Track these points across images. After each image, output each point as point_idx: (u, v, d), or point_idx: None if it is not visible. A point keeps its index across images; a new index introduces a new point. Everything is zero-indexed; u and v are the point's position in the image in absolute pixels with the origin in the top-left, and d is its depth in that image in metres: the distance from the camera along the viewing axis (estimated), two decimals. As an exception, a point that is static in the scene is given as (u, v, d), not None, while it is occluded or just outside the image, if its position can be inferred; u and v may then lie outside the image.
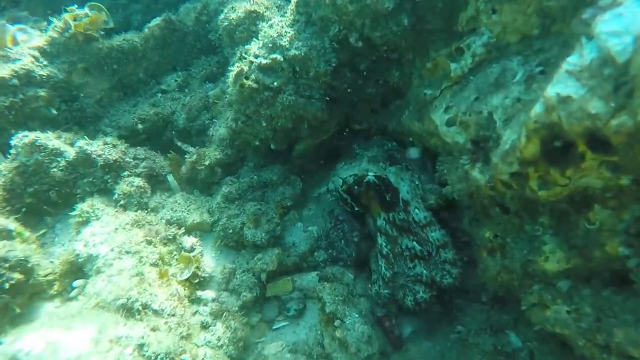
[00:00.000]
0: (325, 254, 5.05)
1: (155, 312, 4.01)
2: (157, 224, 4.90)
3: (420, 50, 4.19)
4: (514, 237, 3.51)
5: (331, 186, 5.16)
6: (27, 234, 4.42)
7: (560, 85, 2.23)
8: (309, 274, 5.04)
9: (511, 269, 3.57)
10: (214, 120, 5.72)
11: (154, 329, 3.79)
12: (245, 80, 4.46)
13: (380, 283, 4.52)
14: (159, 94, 6.29)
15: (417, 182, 4.52)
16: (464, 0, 3.64)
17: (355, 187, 4.68)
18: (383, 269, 4.49)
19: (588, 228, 2.91)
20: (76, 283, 4.26)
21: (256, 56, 4.47)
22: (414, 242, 4.35)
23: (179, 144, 5.59)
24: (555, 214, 3.15)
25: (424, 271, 4.29)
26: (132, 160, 5.39)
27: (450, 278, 4.20)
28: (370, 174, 4.61)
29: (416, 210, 4.37)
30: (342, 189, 4.88)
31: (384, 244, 4.50)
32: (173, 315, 4.11)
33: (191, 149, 5.45)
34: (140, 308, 3.91)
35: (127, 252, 4.32)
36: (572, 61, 2.20)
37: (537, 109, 2.39)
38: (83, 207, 4.79)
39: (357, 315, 4.53)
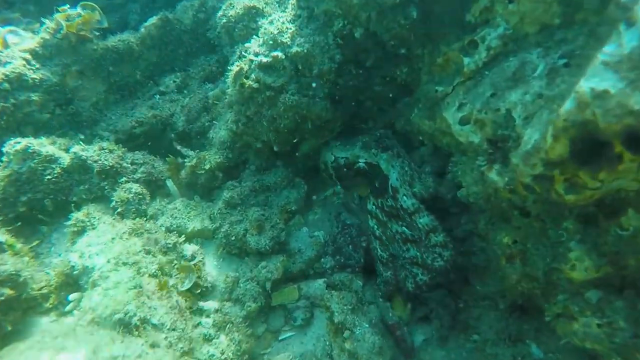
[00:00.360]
0: (332, 260, 4.83)
1: (155, 327, 3.79)
2: (156, 232, 4.69)
3: (430, 44, 3.94)
4: (535, 243, 3.27)
5: (322, 158, 5.13)
6: (19, 245, 4.21)
7: (595, 79, 1.98)
8: (316, 281, 4.82)
9: (533, 277, 3.33)
10: (214, 122, 5.50)
11: (153, 346, 3.58)
12: (245, 80, 4.23)
13: (380, 268, 4.43)
14: (157, 96, 6.06)
15: (406, 169, 4.40)
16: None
17: (345, 169, 4.70)
18: (378, 250, 4.46)
19: (620, 234, 2.67)
20: (72, 296, 4.06)
21: (256, 54, 4.24)
22: (404, 227, 4.28)
23: (178, 147, 5.38)
24: (582, 219, 2.91)
25: (418, 254, 4.20)
26: (129, 165, 5.18)
27: (442, 261, 4.07)
28: (361, 160, 4.57)
29: (404, 197, 4.25)
30: (331, 166, 4.84)
31: (375, 226, 4.50)
32: (174, 329, 3.89)
33: (191, 152, 5.23)
34: (139, 323, 3.70)
35: (125, 263, 4.11)
36: (608, 51, 1.95)
37: (567, 106, 2.15)
38: (78, 216, 4.59)
39: (367, 325, 4.30)
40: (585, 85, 2.02)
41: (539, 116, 2.74)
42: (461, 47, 3.64)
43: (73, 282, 4.14)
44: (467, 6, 3.56)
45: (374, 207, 4.49)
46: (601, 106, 1.97)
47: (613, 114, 1.94)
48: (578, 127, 2.16)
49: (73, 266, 4.10)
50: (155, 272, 4.23)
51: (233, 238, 4.71)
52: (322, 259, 4.89)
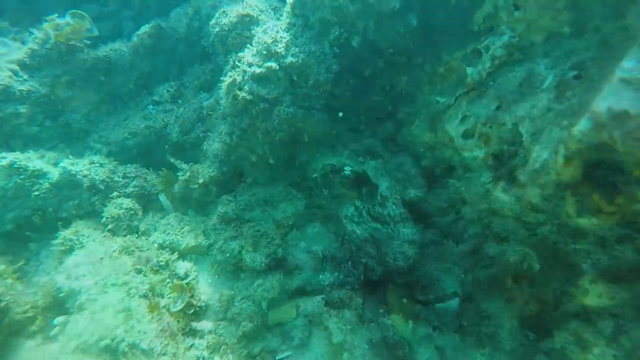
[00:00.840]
0: (331, 276, 4.64)
1: (144, 352, 3.62)
2: (148, 249, 4.51)
3: (431, 53, 3.76)
4: (544, 265, 3.09)
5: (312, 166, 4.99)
6: (2, 267, 4.03)
7: (613, 98, 1.80)
8: (314, 298, 4.62)
9: (542, 300, 3.15)
10: (208, 133, 5.32)
11: (141, 373, 3.41)
12: (238, 92, 4.06)
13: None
14: (151, 106, 5.89)
15: (398, 176, 4.33)
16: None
17: (330, 175, 4.67)
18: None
19: (638, 258, 2.48)
20: (57, 320, 3.87)
21: (250, 65, 4.07)
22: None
23: (172, 160, 5.20)
24: (595, 240, 2.72)
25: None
26: (121, 179, 5.00)
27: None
28: (347, 168, 4.53)
29: (394, 206, 4.24)
30: (319, 173, 4.78)
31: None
32: (164, 354, 3.71)
33: (184, 165, 5.05)
34: (127, 349, 3.53)
35: (114, 285, 3.94)
36: (627, 67, 1.77)
37: (582, 126, 1.96)
38: (66, 234, 4.41)
39: (367, 347, 4.12)
40: (601, 104, 1.84)
41: (548, 132, 2.55)
42: (464, 56, 3.46)
43: (59, 304, 3.96)
44: (470, 13, 3.38)
45: (354, 210, 4.54)
46: (620, 128, 1.78)
47: (633, 137, 1.76)
48: (593, 150, 1.97)
49: (59, 288, 3.93)
50: (145, 292, 4.06)
51: (228, 255, 4.53)
52: (321, 275, 4.70)
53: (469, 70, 3.31)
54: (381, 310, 4.50)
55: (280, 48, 3.93)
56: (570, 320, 2.89)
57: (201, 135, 5.51)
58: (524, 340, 3.81)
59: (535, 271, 3.17)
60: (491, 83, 3.19)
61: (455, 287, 3.61)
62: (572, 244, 2.80)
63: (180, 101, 5.96)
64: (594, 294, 2.69)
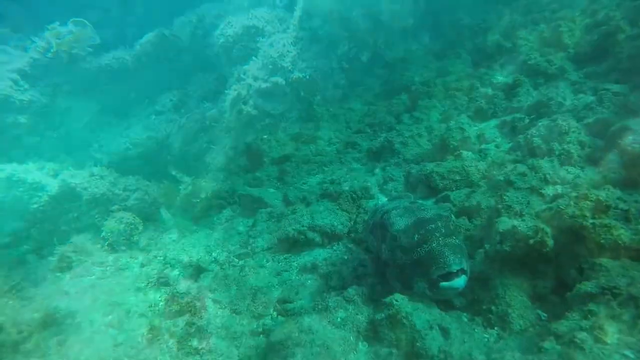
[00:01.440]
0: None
1: (143, 377, 3.49)
2: (147, 265, 4.39)
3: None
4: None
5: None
6: (-2, 284, 3.92)
7: None
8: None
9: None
10: (211, 145, 5.21)
11: (139, 401, 3.28)
12: (243, 106, 3.95)
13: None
14: (153, 116, 5.78)
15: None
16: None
17: None
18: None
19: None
20: (53, 342, 3.74)
21: (255, 78, 3.97)
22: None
23: (174, 172, 5.09)
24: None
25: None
26: (121, 192, 4.88)
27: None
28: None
29: None
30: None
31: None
32: (163, 378, 3.58)
33: (187, 178, 4.94)
34: (126, 374, 3.40)
35: (113, 304, 3.82)
36: None
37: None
38: (65, 251, 4.29)
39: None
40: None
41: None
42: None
43: (56, 324, 3.84)
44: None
45: None
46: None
47: None
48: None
49: (56, 307, 3.80)
50: (145, 311, 3.94)
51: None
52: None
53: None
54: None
55: (287, 62, 3.82)
56: (587, 301, 2.64)
57: (204, 145, 5.40)
58: (535, 320, 3.60)
59: (550, 247, 2.93)
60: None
61: (462, 264, 3.15)
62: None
63: (182, 110, 5.86)
64: (612, 271, 2.53)
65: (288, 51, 3.79)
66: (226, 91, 4.25)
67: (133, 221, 4.56)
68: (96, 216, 4.64)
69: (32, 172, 4.57)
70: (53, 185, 4.59)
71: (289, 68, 3.71)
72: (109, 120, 5.57)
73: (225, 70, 5.11)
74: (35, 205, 4.48)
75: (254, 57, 4.14)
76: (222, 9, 5.84)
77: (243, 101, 3.88)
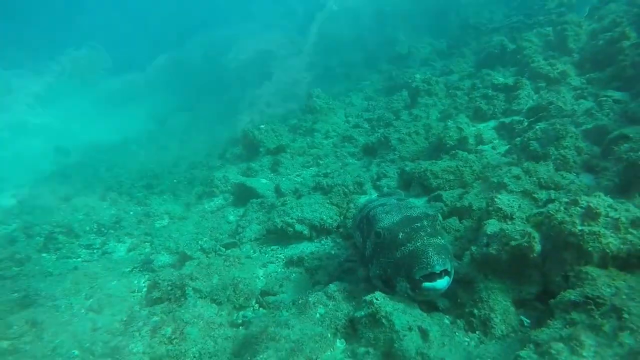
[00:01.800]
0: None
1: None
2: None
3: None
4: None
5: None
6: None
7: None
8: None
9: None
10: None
11: None
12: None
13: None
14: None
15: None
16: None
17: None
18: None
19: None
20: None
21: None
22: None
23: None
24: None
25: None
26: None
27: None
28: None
29: None
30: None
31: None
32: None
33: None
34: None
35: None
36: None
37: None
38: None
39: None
40: None
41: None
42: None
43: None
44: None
45: None
46: None
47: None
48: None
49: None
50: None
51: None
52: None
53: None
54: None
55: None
56: (569, 310, 2.52)
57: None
58: (518, 326, 3.45)
59: (537, 252, 2.84)
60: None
61: (446, 265, 3.00)
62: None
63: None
64: (597, 280, 2.42)
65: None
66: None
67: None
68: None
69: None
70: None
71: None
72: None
73: (237, 93, 5.24)
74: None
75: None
76: (234, 32, 6.01)
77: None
